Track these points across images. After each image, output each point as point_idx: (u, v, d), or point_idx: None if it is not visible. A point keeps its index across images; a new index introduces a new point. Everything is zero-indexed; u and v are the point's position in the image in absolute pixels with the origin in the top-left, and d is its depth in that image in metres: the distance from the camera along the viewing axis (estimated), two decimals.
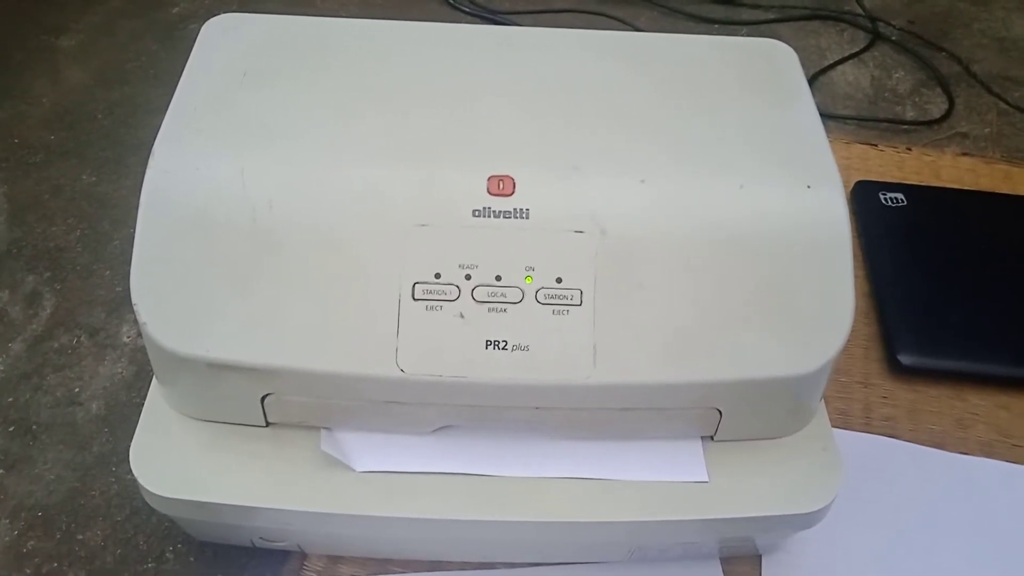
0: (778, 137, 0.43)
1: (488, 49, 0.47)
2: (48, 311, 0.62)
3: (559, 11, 0.92)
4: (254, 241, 0.39)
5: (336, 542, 0.47)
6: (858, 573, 0.49)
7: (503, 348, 0.38)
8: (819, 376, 0.41)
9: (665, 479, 0.42)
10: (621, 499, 0.42)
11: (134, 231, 0.39)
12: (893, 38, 0.91)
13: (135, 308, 0.39)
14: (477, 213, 0.39)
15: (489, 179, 0.40)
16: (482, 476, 0.42)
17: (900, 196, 0.68)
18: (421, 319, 0.38)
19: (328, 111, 0.43)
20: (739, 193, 0.40)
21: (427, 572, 0.47)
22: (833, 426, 0.45)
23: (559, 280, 0.39)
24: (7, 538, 0.50)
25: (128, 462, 0.41)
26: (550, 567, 0.48)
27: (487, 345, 0.38)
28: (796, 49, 0.49)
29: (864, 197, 0.68)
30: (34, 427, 0.55)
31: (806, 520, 0.42)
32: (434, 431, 0.42)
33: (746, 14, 0.93)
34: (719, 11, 0.93)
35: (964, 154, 0.75)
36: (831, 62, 0.87)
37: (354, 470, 0.41)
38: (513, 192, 0.40)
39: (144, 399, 0.44)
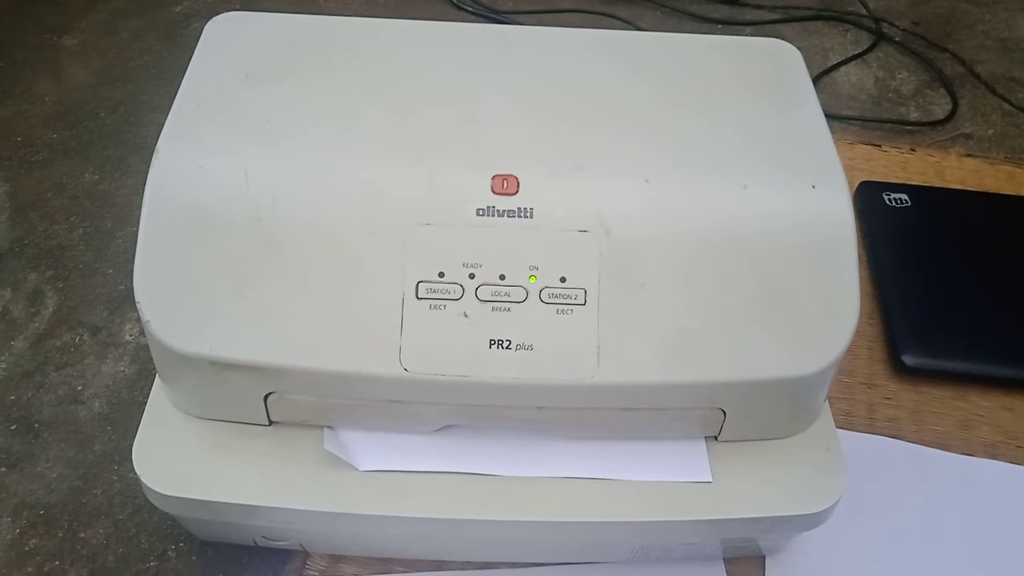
0: (783, 137, 0.43)
1: (492, 49, 0.47)
2: (50, 309, 0.62)
3: (563, 11, 0.92)
4: (257, 239, 0.39)
5: (338, 541, 0.47)
6: (862, 574, 0.48)
7: (507, 347, 0.38)
8: (823, 377, 0.41)
9: (669, 479, 0.42)
10: (625, 499, 0.41)
11: (137, 229, 0.39)
12: (897, 39, 0.91)
13: (138, 306, 0.39)
14: (481, 212, 0.39)
15: (493, 178, 0.40)
16: (485, 476, 0.42)
17: (904, 197, 0.67)
18: (425, 318, 0.38)
19: (332, 109, 0.42)
20: (744, 193, 0.40)
21: (429, 572, 0.47)
22: (837, 427, 0.45)
23: (563, 280, 0.39)
24: (9, 536, 0.50)
25: (130, 460, 0.41)
26: (553, 567, 0.48)
27: (491, 344, 0.38)
28: (800, 50, 0.49)
29: (868, 198, 0.67)
30: (36, 425, 0.55)
31: (810, 521, 0.42)
32: (437, 430, 0.42)
33: (750, 14, 0.93)
34: (723, 11, 0.93)
35: (968, 155, 0.75)
36: (835, 63, 0.87)
37: (357, 469, 0.41)
38: (517, 191, 0.40)
39: (147, 397, 0.44)
